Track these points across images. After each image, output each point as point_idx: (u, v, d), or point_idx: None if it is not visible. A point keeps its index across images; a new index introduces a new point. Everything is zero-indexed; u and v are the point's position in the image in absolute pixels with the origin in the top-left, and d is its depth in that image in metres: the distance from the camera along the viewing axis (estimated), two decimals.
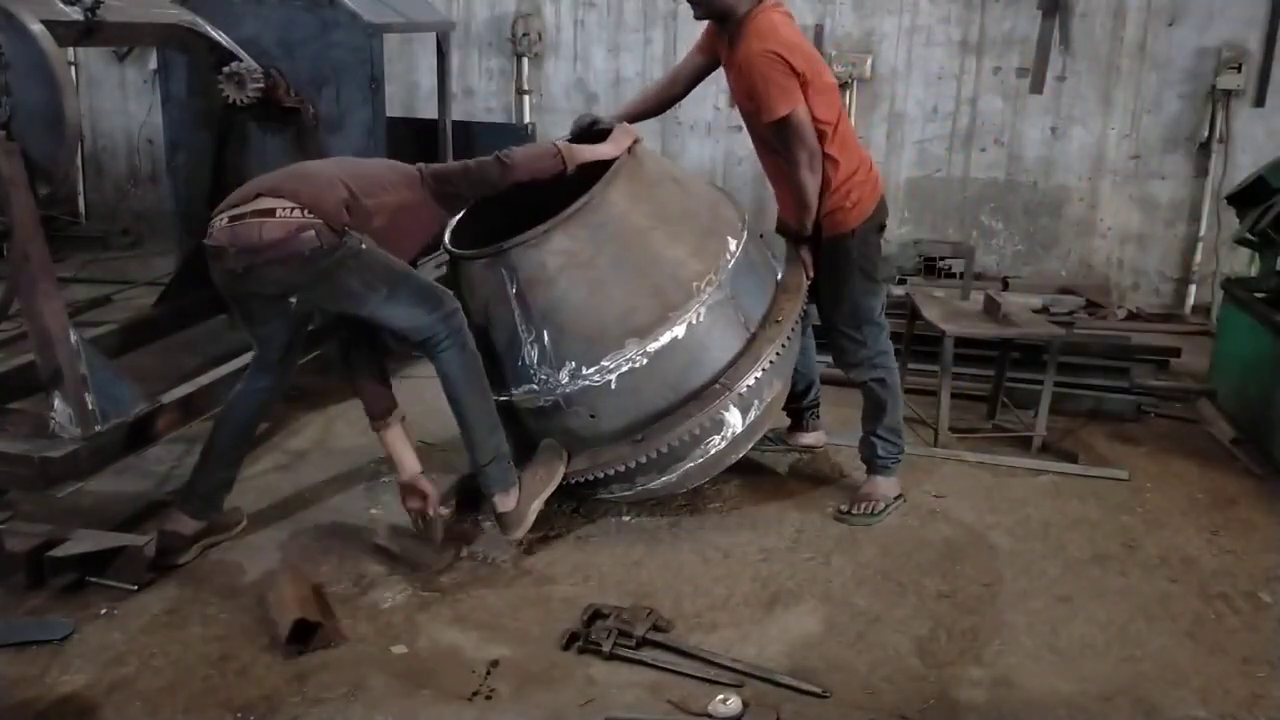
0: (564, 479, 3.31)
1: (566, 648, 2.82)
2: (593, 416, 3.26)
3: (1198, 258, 6.25)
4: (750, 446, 3.54)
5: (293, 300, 3.11)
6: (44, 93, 3.04)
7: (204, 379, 3.77)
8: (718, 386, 3.24)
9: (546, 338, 3.21)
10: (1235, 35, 5.98)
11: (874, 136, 6.57)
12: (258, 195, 3.00)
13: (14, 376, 3.64)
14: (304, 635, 2.78)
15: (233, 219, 2.97)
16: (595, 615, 2.91)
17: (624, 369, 3.18)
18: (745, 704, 2.59)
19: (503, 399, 3.30)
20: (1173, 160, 6.23)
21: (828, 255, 3.55)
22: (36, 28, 3.04)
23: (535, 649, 2.84)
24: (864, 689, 2.71)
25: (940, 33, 6.39)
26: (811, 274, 3.55)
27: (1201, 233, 6.21)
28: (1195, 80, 6.08)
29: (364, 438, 4.16)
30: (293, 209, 2.93)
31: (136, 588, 3.04)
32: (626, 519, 3.57)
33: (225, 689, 2.65)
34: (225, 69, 4.36)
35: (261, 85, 4.38)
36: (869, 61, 6.43)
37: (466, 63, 7.06)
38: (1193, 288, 6.30)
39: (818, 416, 4.06)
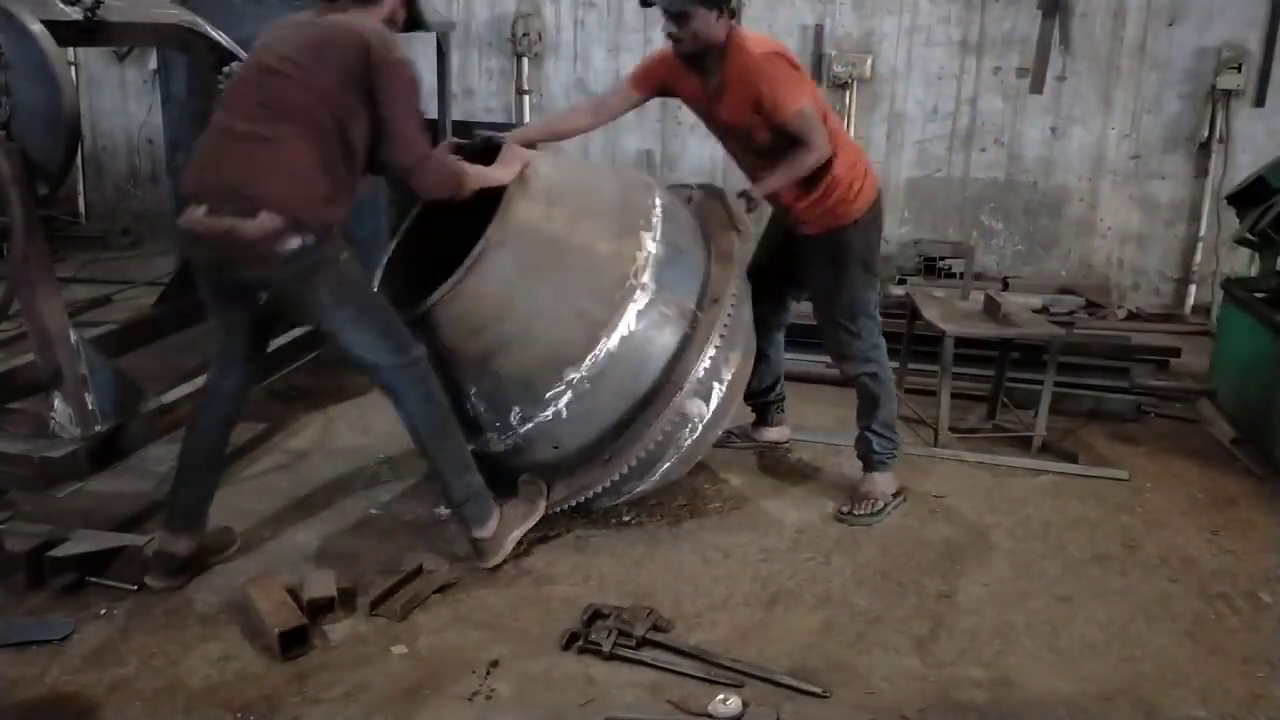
0: (548, 509, 3.32)
1: (566, 648, 2.82)
2: (556, 447, 3.24)
3: (1198, 258, 6.25)
4: (727, 422, 3.53)
5: (264, 294, 2.97)
6: (44, 93, 3.03)
7: (204, 379, 3.76)
8: (670, 386, 3.17)
9: (487, 387, 3.18)
10: (1235, 35, 5.98)
11: (874, 136, 6.58)
12: (237, 192, 2.77)
13: (14, 376, 3.64)
14: (296, 639, 2.77)
15: (212, 211, 2.78)
16: (595, 615, 2.91)
17: (570, 398, 3.12)
18: (745, 704, 2.59)
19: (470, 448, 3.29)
20: (1173, 160, 6.24)
21: (828, 248, 3.55)
22: (36, 28, 3.03)
23: (535, 649, 2.83)
24: (864, 689, 2.71)
25: (940, 33, 6.39)
26: (742, 228, 3.45)
27: (1201, 233, 6.22)
28: (1195, 80, 6.09)
29: (364, 438, 4.18)
30: (274, 212, 2.74)
31: (136, 588, 3.04)
32: (626, 519, 3.57)
33: (225, 689, 2.65)
34: (225, 69, 4.36)
35: None
36: (869, 61, 6.44)
37: (466, 63, 7.06)
38: (1193, 288, 6.30)
39: (782, 410, 4.11)
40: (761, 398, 4.03)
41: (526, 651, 2.82)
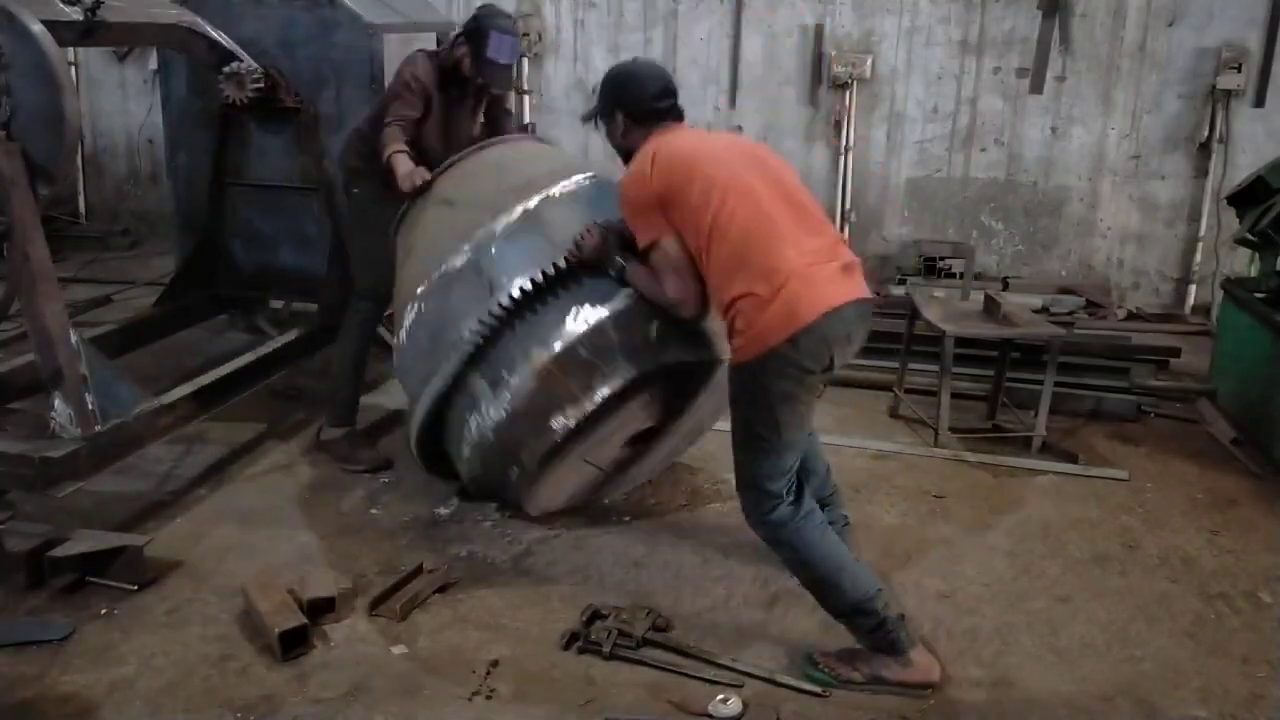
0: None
1: (566, 648, 2.82)
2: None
3: (1198, 258, 6.25)
4: (540, 428, 3.06)
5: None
6: (44, 93, 3.04)
7: (204, 379, 3.78)
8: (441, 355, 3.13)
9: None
10: (1235, 35, 5.98)
11: (874, 136, 6.58)
12: None
13: (14, 376, 3.65)
14: (296, 639, 2.78)
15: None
16: (595, 615, 2.91)
17: (401, 339, 3.36)
18: (745, 704, 2.59)
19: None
20: (1173, 160, 6.24)
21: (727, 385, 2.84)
22: (37, 28, 3.04)
23: (535, 649, 2.84)
24: (864, 689, 2.71)
25: (940, 33, 6.39)
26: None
27: (1201, 233, 6.21)
28: (1195, 80, 6.09)
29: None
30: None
31: (136, 588, 3.04)
32: (626, 519, 3.57)
33: (225, 689, 2.65)
34: (225, 69, 4.36)
35: (261, 85, 4.38)
36: (869, 61, 6.44)
37: None
38: (1193, 288, 6.30)
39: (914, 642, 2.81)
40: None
41: (526, 651, 2.82)
